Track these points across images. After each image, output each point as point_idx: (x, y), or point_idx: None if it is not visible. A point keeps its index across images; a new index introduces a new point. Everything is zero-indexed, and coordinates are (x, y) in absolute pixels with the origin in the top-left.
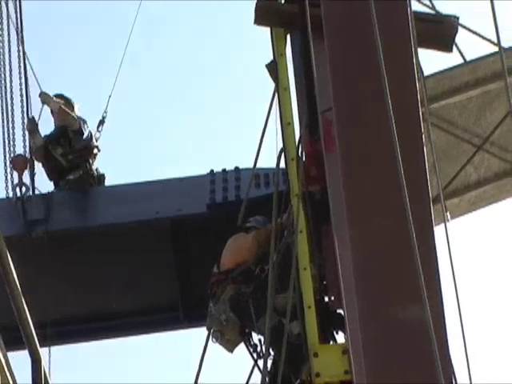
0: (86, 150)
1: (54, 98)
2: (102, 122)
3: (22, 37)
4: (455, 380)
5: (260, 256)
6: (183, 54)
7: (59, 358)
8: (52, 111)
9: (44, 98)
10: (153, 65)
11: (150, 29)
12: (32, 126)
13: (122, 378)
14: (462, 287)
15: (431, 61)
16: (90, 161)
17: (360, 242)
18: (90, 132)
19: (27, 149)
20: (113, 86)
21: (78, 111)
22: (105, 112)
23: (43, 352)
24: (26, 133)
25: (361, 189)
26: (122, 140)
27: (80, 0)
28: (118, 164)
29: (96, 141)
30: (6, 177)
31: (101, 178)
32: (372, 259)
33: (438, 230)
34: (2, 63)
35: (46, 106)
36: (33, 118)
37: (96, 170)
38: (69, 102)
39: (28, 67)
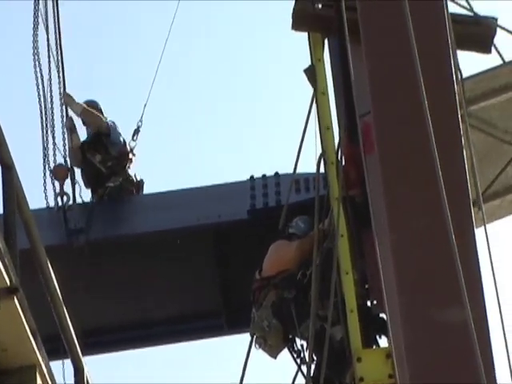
0: (122, 155)
1: (79, 102)
2: (137, 131)
3: (60, 41)
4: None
5: (302, 263)
6: (218, 61)
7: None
8: (81, 118)
9: (67, 100)
10: (188, 72)
11: (186, 37)
12: (71, 123)
13: None
14: (503, 289)
15: (470, 62)
16: (127, 166)
17: (401, 246)
18: (123, 138)
19: (68, 158)
20: (148, 94)
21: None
22: (140, 121)
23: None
24: (67, 142)
25: (401, 192)
26: (161, 148)
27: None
28: (156, 172)
29: (132, 150)
30: (45, 187)
31: (140, 183)
32: (413, 263)
33: (479, 232)
34: (39, 75)
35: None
36: (71, 117)
37: (134, 175)
38: (97, 108)
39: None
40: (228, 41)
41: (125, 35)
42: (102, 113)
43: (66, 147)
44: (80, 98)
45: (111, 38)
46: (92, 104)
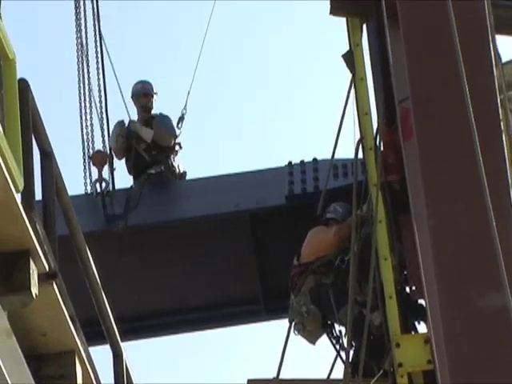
0: (169, 147)
1: (144, 128)
2: (181, 119)
3: (99, 22)
4: None
5: (341, 248)
6: (257, 48)
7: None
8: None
9: (134, 127)
10: (229, 61)
11: (225, 27)
12: (121, 129)
13: (202, 370)
14: None
15: (509, 47)
16: (172, 157)
17: (439, 231)
18: (174, 130)
19: (106, 144)
20: (191, 82)
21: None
22: (184, 109)
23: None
24: (105, 128)
25: (439, 177)
26: (201, 135)
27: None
28: (197, 159)
29: (179, 143)
30: (85, 173)
31: (182, 175)
32: (452, 248)
33: None
34: (80, 60)
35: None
36: (122, 121)
37: (178, 166)
38: (152, 90)
39: (106, 63)
40: (266, 27)
41: (168, 23)
42: (155, 93)
43: (105, 133)
44: (127, 83)
45: (155, 25)
46: (147, 86)
